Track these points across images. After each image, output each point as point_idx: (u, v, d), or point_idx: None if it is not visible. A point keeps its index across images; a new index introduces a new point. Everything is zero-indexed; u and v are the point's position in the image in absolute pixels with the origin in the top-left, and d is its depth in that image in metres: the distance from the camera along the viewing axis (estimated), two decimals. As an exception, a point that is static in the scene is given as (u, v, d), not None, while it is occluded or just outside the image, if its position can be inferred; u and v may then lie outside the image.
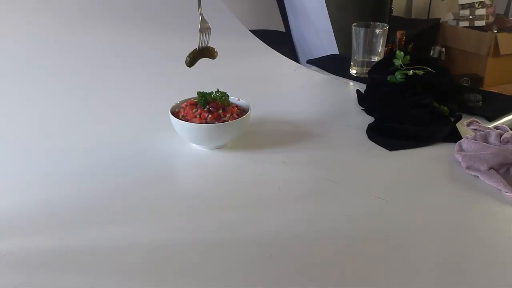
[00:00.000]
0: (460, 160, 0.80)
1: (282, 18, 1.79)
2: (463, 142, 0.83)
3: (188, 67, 0.83)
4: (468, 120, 0.94)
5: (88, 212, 0.68)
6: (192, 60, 0.83)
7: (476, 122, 0.93)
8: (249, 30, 1.58)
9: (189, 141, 0.86)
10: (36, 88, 1.15)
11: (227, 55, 0.91)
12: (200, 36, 0.82)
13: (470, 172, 0.77)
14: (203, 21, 0.81)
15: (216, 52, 0.85)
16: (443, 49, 2.53)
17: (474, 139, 0.84)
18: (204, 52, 0.84)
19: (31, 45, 1.30)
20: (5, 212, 0.68)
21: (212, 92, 0.86)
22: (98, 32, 1.39)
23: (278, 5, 1.76)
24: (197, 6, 0.81)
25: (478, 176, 0.76)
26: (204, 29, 0.82)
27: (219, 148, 0.86)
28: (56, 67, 1.26)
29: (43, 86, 1.17)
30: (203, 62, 0.84)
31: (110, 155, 0.84)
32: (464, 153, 0.81)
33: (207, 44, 0.83)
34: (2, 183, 0.76)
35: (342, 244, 0.62)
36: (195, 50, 0.83)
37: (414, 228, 0.65)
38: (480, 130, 0.89)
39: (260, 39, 1.53)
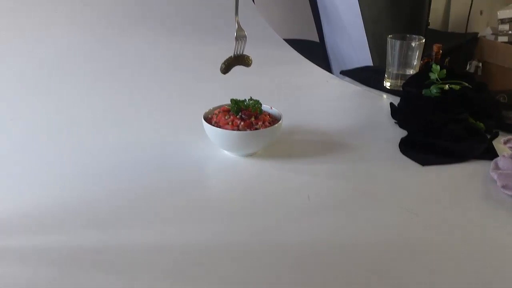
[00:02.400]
0: (495, 179, 0.78)
1: (316, 28, 1.79)
2: (499, 160, 0.81)
3: (223, 74, 0.84)
4: (506, 138, 0.91)
5: (120, 213, 0.69)
6: (227, 67, 0.84)
7: (514, 140, 0.91)
8: (283, 39, 1.59)
9: (221, 147, 0.87)
10: (77, 89, 1.19)
11: (261, 63, 0.92)
12: (236, 44, 0.83)
13: (506, 192, 0.75)
14: (240, 29, 0.82)
15: (251, 60, 0.86)
16: (480, 64, 2.48)
17: (511, 157, 0.82)
18: (239, 60, 0.85)
19: (76, 52, 1.34)
20: (46, 207, 0.70)
21: (245, 99, 0.87)
22: (138, 38, 1.42)
23: (313, 15, 1.77)
24: (234, 15, 0.81)
25: (514, 195, 0.74)
26: (240, 37, 0.82)
27: (250, 155, 0.87)
28: (95, 71, 1.29)
29: (84, 88, 1.20)
30: (237, 69, 0.85)
31: (143, 159, 0.86)
32: (500, 171, 0.79)
33: (242, 52, 0.84)
34: (38, 180, 0.78)
35: (369, 257, 0.61)
36: (230, 57, 0.84)
37: (445, 245, 0.64)
38: (517, 149, 0.87)
39: (294, 48, 1.54)
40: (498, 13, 2.45)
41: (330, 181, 0.80)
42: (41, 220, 0.67)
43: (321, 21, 1.76)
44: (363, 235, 0.65)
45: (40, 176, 0.80)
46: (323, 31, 1.77)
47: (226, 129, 0.83)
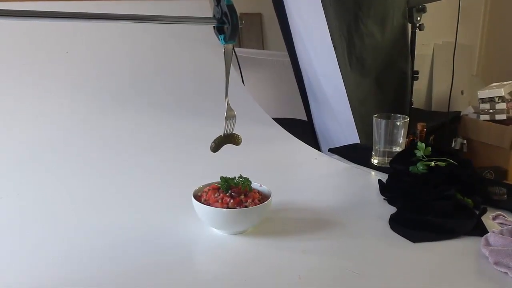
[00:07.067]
0: (487, 255, 0.77)
1: (304, 107, 1.85)
2: (490, 236, 0.81)
3: (213, 153, 0.85)
4: (494, 214, 0.92)
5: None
6: (217, 146, 0.85)
7: (502, 215, 0.91)
8: (272, 118, 1.63)
9: (210, 225, 0.86)
10: (64, 169, 1.19)
11: (250, 141, 0.93)
12: (225, 123, 0.85)
13: (499, 268, 0.74)
14: (229, 109, 0.84)
15: (241, 139, 0.87)
16: (465, 141, 2.54)
17: (501, 233, 0.82)
18: (229, 139, 0.86)
19: (66, 134, 1.35)
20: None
21: (234, 177, 0.88)
22: (129, 118, 1.45)
23: (300, 95, 1.83)
24: (224, 96, 0.84)
25: (507, 273, 0.73)
26: (230, 116, 0.85)
27: (240, 233, 0.86)
28: (83, 149, 1.30)
29: (70, 167, 1.20)
30: (227, 148, 0.86)
31: (131, 238, 0.85)
32: (491, 247, 0.78)
33: (232, 131, 0.86)
34: (17, 264, 0.76)
35: None
36: (220, 136, 0.86)
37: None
38: (506, 224, 0.87)
39: (282, 127, 1.57)
40: (478, 93, 2.55)
41: (321, 259, 0.79)
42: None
43: (309, 101, 1.82)
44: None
45: (19, 257, 0.78)
46: (311, 110, 1.82)
47: (215, 206, 0.82)
